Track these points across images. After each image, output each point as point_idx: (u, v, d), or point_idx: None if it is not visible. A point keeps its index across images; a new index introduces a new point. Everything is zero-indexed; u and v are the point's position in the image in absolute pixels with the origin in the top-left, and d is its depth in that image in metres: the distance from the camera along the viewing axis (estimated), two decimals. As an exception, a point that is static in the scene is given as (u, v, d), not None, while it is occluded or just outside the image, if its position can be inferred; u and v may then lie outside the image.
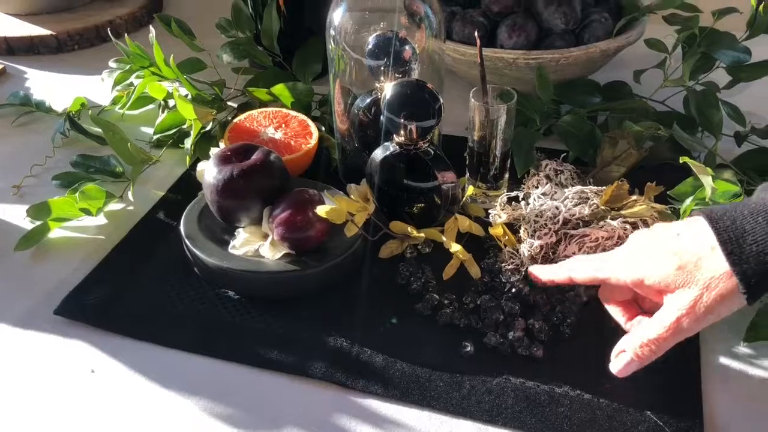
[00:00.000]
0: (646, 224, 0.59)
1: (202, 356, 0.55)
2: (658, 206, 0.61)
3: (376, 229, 0.63)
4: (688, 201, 0.60)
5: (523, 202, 0.64)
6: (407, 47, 0.64)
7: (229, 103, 0.86)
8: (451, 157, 0.64)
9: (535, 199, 0.63)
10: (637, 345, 0.47)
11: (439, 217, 0.64)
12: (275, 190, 0.60)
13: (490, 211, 0.65)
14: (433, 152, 0.63)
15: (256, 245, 0.60)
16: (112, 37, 0.86)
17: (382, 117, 0.63)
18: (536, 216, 0.62)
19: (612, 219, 0.60)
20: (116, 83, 0.87)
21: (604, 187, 0.62)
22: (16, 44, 1.07)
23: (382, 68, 0.64)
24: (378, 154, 0.64)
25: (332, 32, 0.65)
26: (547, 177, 0.67)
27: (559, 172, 0.67)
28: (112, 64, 0.89)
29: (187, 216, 0.64)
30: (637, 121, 0.73)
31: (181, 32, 0.86)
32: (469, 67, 0.83)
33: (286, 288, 0.59)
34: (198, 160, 0.73)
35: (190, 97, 0.82)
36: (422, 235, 0.63)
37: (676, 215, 0.61)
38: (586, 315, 0.56)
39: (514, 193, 0.65)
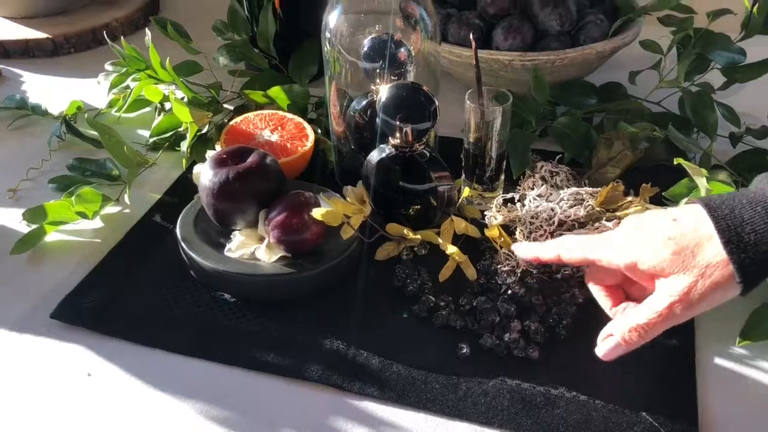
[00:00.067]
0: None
1: (199, 359, 0.55)
2: (653, 207, 0.61)
3: (372, 231, 0.63)
4: (683, 202, 0.60)
5: (518, 204, 0.64)
6: (402, 49, 0.64)
7: (225, 106, 0.86)
8: (447, 159, 0.65)
9: (530, 201, 0.63)
10: (625, 330, 0.47)
11: (435, 219, 0.65)
12: (271, 192, 0.61)
13: (485, 212, 0.65)
14: (428, 154, 0.63)
15: (252, 248, 0.60)
16: (108, 40, 0.86)
17: (377, 119, 0.63)
18: (532, 217, 0.62)
19: (607, 220, 0.60)
20: (112, 86, 0.87)
21: (600, 189, 0.62)
22: (12, 47, 1.07)
23: (377, 71, 0.64)
24: (374, 156, 0.64)
25: (327, 35, 0.65)
26: (543, 178, 0.67)
27: (554, 173, 0.68)
28: (108, 67, 0.89)
29: (183, 219, 0.64)
30: (632, 122, 0.73)
31: (177, 35, 0.86)
32: (464, 69, 0.83)
33: (282, 291, 0.59)
34: (194, 163, 0.73)
35: (186, 99, 0.82)
36: (418, 236, 0.63)
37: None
38: (581, 316, 0.56)
39: (509, 195, 0.66)
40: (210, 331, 0.57)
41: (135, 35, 1.14)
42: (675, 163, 0.61)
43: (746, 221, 0.42)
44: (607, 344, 0.49)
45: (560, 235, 0.60)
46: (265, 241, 0.60)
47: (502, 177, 0.69)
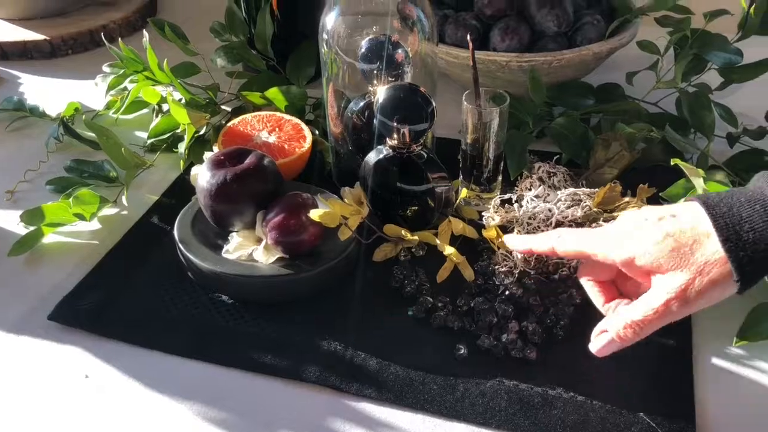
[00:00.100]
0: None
1: (196, 361, 0.55)
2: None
3: (370, 232, 0.63)
4: (681, 202, 0.60)
5: (516, 205, 0.64)
6: (400, 51, 0.64)
7: (223, 107, 0.86)
8: (445, 160, 0.65)
9: (528, 202, 0.63)
10: (620, 326, 0.47)
11: (433, 220, 0.65)
12: (268, 194, 0.61)
13: (483, 213, 0.65)
14: (426, 155, 0.63)
15: (250, 249, 0.60)
16: (105, 41, 0.86)
17: (375, 120, 0.63)
18: (529, 218, 0.62)
19: (604, 221, 0.60)
20: (110, 88, 0.87)
21: (597, 189, 0.62)
22: (10, 49, 1.07)
23: (375, 72, 0.64)
24: (371, 157, 0.64)
25: (325, 36, 0.65)
26: (540, 179, 0.67)
27: (552, 174, 0.68)
28: (105, 68, 0.89)
29: (180, 220, 0.64)
30: (629, 122, 0.73)
31: (175, 36, 0.86)
32: (462, 70, 0.83)
33: (279, 292, 0.59)
34: (192, 165, 0.73)
35: (183, 101, 0.82)
36: (416, 238, 0.63)
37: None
38: (579, 317, 0.56)
39: (507, 196, 0.66)
40: (208, 332, 0.57)
41: (133, 37, 1.14)
42: (672, 163, 0.61)
43: (744, 219, 0.42)
44: (600, 340, 0.49)
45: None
46: (263, 243, 0.60)
47: (500, 178, 0.69)
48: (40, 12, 1.14)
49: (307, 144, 0.73)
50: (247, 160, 0.61)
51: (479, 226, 0.65)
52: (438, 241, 0.63)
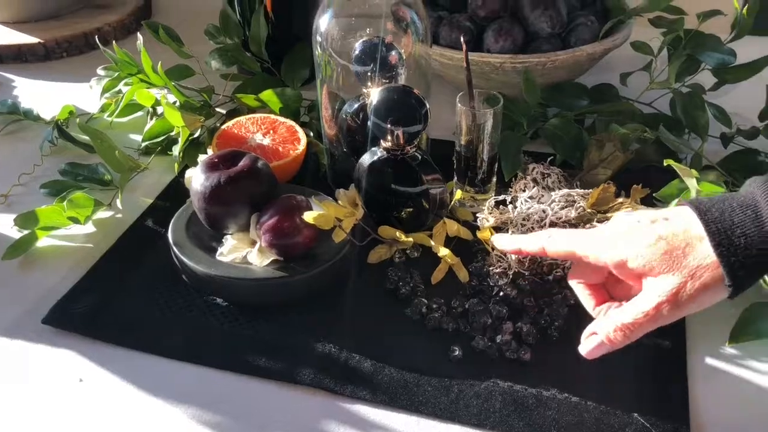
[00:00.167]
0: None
1: (191, 364, 0.55)
2: (644, 209, 0.61)
3: (365, 234, 0.63)
4: (674, 203, 0.60)
5: (510, 206, 0.64)
6: (394, 52, 0.64)
7: (217, 110, 0.86)
8: (439, 162, 0.65)
9: (522, 203, 0.63)
10: (610, 329, 0.46)
11: (428, 222, 0.65)
12: (263, 196, 0.61)
13: (477, 214, 0.66)
14: (420, 157, 0.63)
15: (244, 252, 0.60)
16: (99, 44, 0.86)
17: (369, 122, 0.63)
18: (523, 219, 0.62)
19: (598, 222, 0.60)
20: (104, 91, 0.87)
21: (591, 190, 0.63)
22: (4, 52, 1.07)
23: (368, 74, 0.64)
24: (365, 159, 0.64)
25: (319, 38, 0.65)
26: (534, 180, 0.67)
27: (546, 175, 0.68)
28: (100, 71, 0.89)
29: (174, 223, 0.64)
30: (623, 123, 0.74)
31: (169, 39, 0.86)
32: (456, 72, 0.83)
33: (274, 294, 0.59)
34: (186, 167, 0.73)
35: (178, 104, 0.82)
36: (411, 239, 0.63)
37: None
38: (573, 318, 0.56)
39: (501, 197, 0.66)
40: (202, 335, 0.57)
41: (127, 39, 1.14)
42: (665, 164, 0.61)
43: (736, 224, 0.42)
44: (590, 343, 0.49)
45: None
46: (257, 245, 0.60)
47: (494, 179, 0.69)
48: (35, 15, 1.14)
49: (302, 146, 0.73)
50: (241, 163, 0.61)
51: (474, 228, 0.65)
52: (433, 243, 0.63)
